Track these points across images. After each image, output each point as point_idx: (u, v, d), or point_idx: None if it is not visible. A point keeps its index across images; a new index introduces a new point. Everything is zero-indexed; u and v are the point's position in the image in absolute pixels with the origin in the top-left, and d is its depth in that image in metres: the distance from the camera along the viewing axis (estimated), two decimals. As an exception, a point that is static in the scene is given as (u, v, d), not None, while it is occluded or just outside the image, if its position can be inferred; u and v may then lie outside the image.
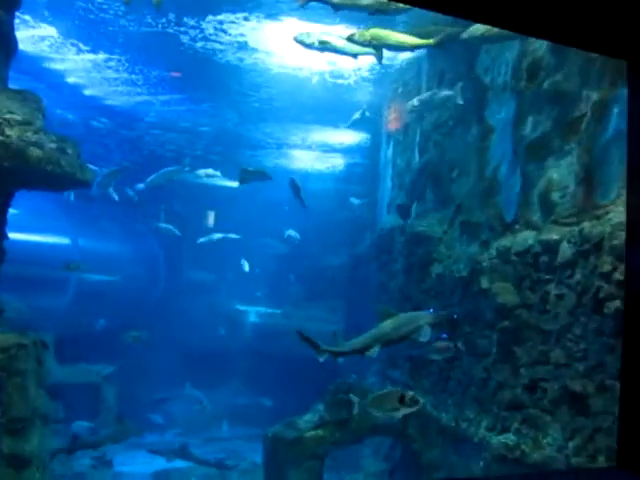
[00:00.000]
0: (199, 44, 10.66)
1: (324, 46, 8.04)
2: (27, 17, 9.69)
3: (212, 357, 14.10)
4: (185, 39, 10.51)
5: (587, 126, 6.47)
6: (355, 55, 8.25)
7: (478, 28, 7.32)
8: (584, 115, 6.52)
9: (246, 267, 15.21)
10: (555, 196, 6.84)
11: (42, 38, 10.63)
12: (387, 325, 5.81)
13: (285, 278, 16.16)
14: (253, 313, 15.94)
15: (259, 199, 15.24)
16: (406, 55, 10.04)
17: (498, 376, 7.35)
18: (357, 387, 9.02)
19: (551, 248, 6.60)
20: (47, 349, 7.45)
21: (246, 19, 9.68)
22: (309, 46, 8.06)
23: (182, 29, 10.19)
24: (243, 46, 10.68)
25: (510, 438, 6.88)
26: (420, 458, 8.82)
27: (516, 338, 7.04)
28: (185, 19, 9.95)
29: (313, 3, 7.48)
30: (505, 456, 6.82)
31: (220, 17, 9.80)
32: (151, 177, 13.19)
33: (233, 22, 9.88)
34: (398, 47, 7.99)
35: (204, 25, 10.10)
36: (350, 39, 7.78)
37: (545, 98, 7.11)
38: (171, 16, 9.88)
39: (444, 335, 7.91)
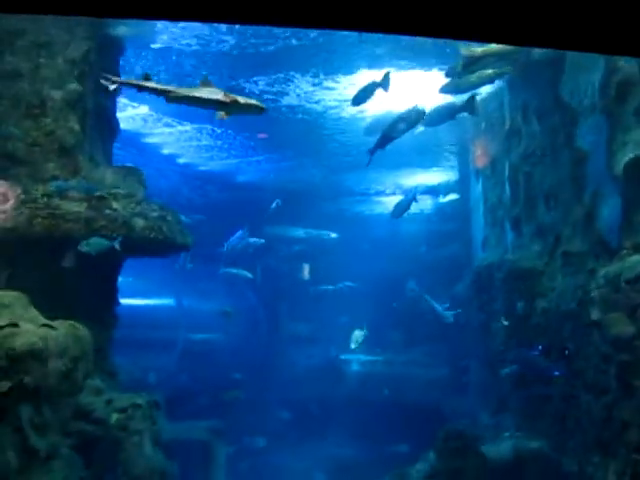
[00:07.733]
0: (280, 103, 11.11)
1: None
2: (124, 99, 10.50)
3: (316, 408, 14.05)
4: (267, 101, 10.99)
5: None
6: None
7: None
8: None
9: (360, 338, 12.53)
10: (663, 216, 6.43)
11: (137, 116, 11.49)
12: None
13: (384, 325, 15.98)
14: (355, 361, 15.82)
15: (353, 249, 15.39)
16: (486, 88, 9.95)
17: (621, 414, 6.82)
18: (469, 432, 8.67)
19: (665, 271, 6.16)
20: (159, 408, 7.73)
21: (317, 75, 10.07)
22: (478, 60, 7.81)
23: (261, 89, 10.67)
24: (321, 100, 11.03)
25: (644, 483, 6.31)
26: (543, 507, 8.26)
27: (637, 372, 6.54)
28: (262, 81, 10.43)
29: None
30: (640, 503, 6.26)
31: (298, 75, 10.23)
32: (227, 244, 13.63)
33: (310, 79, 10.29)
34: None
35: (288, 86, 10.55)
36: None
37: (637, 115, 6.79)
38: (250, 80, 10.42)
39: (556, 372, 7.51)
